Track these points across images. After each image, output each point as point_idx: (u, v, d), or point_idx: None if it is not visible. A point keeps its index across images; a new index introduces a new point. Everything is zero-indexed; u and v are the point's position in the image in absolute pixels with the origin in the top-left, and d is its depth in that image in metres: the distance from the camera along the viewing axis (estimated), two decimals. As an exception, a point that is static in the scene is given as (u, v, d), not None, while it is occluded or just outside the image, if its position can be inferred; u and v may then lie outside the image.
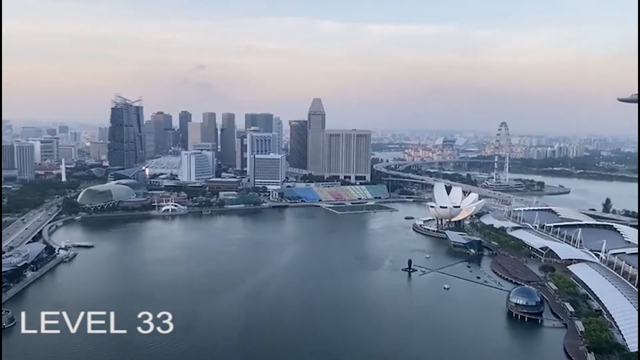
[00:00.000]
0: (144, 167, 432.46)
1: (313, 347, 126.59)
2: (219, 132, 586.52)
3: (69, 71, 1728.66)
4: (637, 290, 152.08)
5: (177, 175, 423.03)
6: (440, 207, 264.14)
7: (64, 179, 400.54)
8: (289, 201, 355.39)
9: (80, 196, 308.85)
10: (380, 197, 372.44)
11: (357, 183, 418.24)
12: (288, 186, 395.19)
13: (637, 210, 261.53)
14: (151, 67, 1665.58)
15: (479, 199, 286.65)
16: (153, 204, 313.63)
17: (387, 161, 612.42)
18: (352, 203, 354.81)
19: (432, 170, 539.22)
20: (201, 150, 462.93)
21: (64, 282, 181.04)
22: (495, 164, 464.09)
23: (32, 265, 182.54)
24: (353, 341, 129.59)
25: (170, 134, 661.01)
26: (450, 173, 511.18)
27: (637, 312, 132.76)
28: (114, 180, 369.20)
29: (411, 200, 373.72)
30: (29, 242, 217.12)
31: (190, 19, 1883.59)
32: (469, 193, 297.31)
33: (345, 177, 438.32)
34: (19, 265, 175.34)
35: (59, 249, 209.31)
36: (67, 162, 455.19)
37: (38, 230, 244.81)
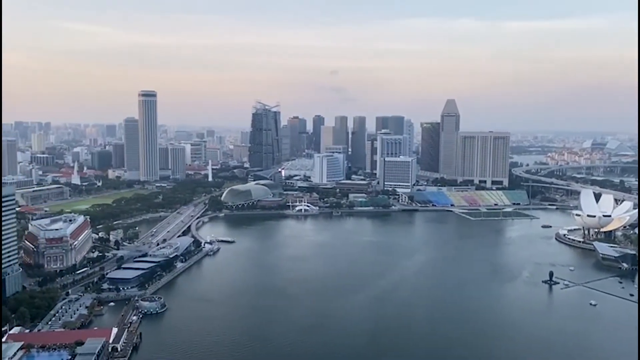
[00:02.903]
0: (280, 169, 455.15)
1: (441, 356, 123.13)
2: (350, 135, 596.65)
3: (214, 79, 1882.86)
4: None
5: (310, 177, 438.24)
6: (588, 215, 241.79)
7: (210, 178, 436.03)
8: (419, 205, 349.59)
9: (224, 195, 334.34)
10: (519, 204, 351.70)
11: (494, 188, 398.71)
12: (418, 189, 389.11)
13: None
14: (288, 74, 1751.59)
15: (634, 208, 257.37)
16: (287, 204, 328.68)
17: (528, 165, 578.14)
18: (487, 209, 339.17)
19: (578, 176, 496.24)
20: (333, 152, 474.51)
21: (209, 274, 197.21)
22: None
23: (181, 257, 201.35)
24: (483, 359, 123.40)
25: (305, 137, 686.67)
26: (600, 179, 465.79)
27: None
28: (254, 180, 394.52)
29: (554, 207, 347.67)
30: (179, 236, 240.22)
31: (325, 25, 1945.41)
32: (622, 201, 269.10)
33: (480, 181, 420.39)
34: (171, 256, 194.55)
35: (205, 243, 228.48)
36: (213, 163, 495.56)
37: (187, 225, 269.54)
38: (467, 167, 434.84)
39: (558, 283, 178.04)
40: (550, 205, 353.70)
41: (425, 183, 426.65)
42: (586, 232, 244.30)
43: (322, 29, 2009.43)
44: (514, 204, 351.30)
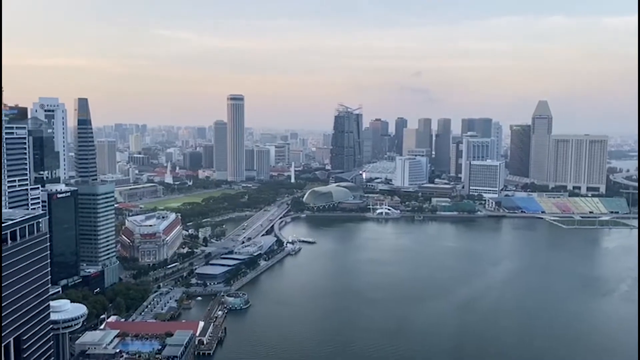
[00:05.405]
0: (361, 171, 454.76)
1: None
2: (433, 138, 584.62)
3: (298, 82, 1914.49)
4: None
5: (391, 180, 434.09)
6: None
7: (292, 180, 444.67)
8: (507, 211, 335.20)
9: (305, 196, 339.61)
10: (617, 212, 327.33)
11: (589, 195, 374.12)
12: (507, 195, 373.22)
13: None
14: (370, 75, 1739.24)
15: None
16: (368, 207, 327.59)
17: (628, 171, 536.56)
18: (581, 217, 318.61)
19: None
20: (415, 155, 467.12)
21: (290, 273, 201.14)
22: None
23: (264, 255, 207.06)
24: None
25: (386, 140, 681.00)
26: None
27: None
28: (335, 182, 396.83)
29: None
30: (263, 235, 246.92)
31: (408, 27, 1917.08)
32: None
33: (574, 187, 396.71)
34: (255, 254, 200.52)
35: (287, 242, 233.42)
36: (296, 165, 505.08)
37: (270, 225, 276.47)
38: (560, 172, 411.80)
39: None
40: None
41: (514, 188, 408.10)
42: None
43: (406, 30, 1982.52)
44: (611, 212, 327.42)
